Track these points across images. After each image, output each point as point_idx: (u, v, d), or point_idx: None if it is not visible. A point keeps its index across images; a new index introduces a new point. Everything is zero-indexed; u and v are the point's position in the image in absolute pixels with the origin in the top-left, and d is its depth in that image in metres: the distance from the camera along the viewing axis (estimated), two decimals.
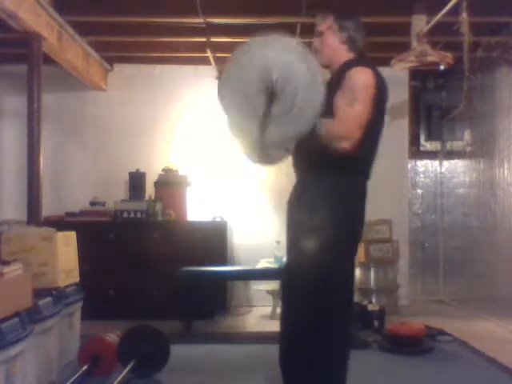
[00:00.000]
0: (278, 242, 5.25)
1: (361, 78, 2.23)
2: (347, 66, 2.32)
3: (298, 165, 2.44)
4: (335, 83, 2.32)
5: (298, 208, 2.38)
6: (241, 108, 2.05)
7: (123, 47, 5.65)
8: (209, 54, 5.48)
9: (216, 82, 6.01)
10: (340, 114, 2.16)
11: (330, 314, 2.25)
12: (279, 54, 2.04)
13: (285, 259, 5.05)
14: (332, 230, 2.22)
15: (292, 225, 2.42)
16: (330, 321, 2.25)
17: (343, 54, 2.41)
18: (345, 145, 2.13)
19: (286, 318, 2.40)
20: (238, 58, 2.08)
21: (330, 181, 2.27)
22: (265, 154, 2.19)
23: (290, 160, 2.47)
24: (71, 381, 3.04)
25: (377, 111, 2.25)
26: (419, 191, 6.69)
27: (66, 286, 3.51)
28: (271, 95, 1.97)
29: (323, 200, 2.26)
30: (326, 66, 2.45)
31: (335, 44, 2.42)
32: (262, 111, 1.99)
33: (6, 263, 2.81)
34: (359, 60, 2.38)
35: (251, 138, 2.10)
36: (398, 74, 5.70)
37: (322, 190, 2.27)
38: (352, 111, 2.16)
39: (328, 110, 2.21)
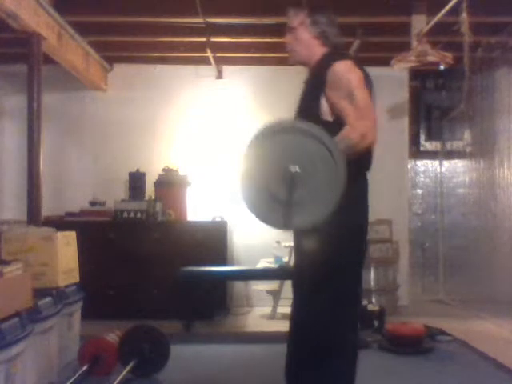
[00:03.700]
0: (278, 242, 5.26)
1: (346, 70, 2.21)
2: (325, 60, 2.29)
3: None
4: (314, 78, 2.31)
5: None
6: (262, 197, 2.01)
7: (123, 47, 5.65)
8: (209, 53, 5.49)
9: (215, 81, 6.05)
10: (349, 122, 2.14)
11: (339, 313, 2.25)
12: (297, 139, 1.98)
13: (286, 260, 5.08)
14: (339, 227, 2.21)
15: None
16: (340, 318, 2.25)
17: (317, 49, 2.38)
18: (369, 140, 2.11)
19: (296, 319, 2.38)
20: (253, 146, 2.01)
21: None
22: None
23: None
24: (71, 381, 3.05)
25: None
26: (419, 191, 6.69)
27: (66, 286, 3.51)
28: (291, 183, 1.94)
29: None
30: (301, 63, 2.44)
31: (308, 39, 2.39)
32: (284, 199, 1.96)
33: (6, 263, 2.81)
34: (335, 53, 2.35)
35: (276, 225, 2.09)
36: (397, 74, 5.71)
37: None
38: (355, 107, 2.14)
39: (309, 106, 2.24)
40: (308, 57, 2.40)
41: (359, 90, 2.17)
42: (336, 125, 2.17)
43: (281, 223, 2.03)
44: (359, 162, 2.22)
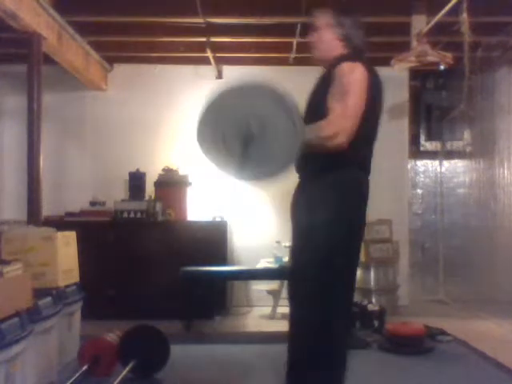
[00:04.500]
0: (278, 242, 5.26)
1: (349, 72, 2.22)
2: (338, 61, 2.31)
3: (297, 166, 2.43)
4: (326, 77, 2.32)
5: (298, 209, 2.38)
6: (217, 146, 2.13)
7: (123, 47, 5.65)
8: (209, 53, 5.49)
9: (215, 81, 6.04)
10: (330, 116, 2.15)
11: (332, 312, 2.25)
12: (256, 99, 2.05)
13: (286, 260, 5.08)
14: (331, 228, 2.22)
15: (294, 227, 2.42)
16: (332, 319, 2.25)
17: (338, 50, 2.40)
18: (338, 141, 2.13)
19: (293, 322, 2.38)
20: (215, 102, 2.13)
21: (327, 179, 2.26)
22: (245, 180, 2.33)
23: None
24: (71, 381, 3.05)
25: (370, 106, 2.22)
26: (419, 191, 6.69)
27: (66, 286, 3.51)
28: (247, 138, 2.03)
29: (321, 199, 2.25)
30: (323, 62, 2.45)
31: (331, 40, 2.41)
32: (238, 152, 2.05)
33: (6, 263, 2.81)
34: (351, 55, 2.36)
35: (229, 172, 2.17)
36: (397, 74, 5.70)
37: (319, 188, 2.28)
38: (341, 106, 2.14)
39: (317, 104, 2.24)
40: (327, 57, 2.42)
41: (354, 95, 2.17)
42: None
43: (233, 174, 2.13)
44: (351, 162, 2.26)
